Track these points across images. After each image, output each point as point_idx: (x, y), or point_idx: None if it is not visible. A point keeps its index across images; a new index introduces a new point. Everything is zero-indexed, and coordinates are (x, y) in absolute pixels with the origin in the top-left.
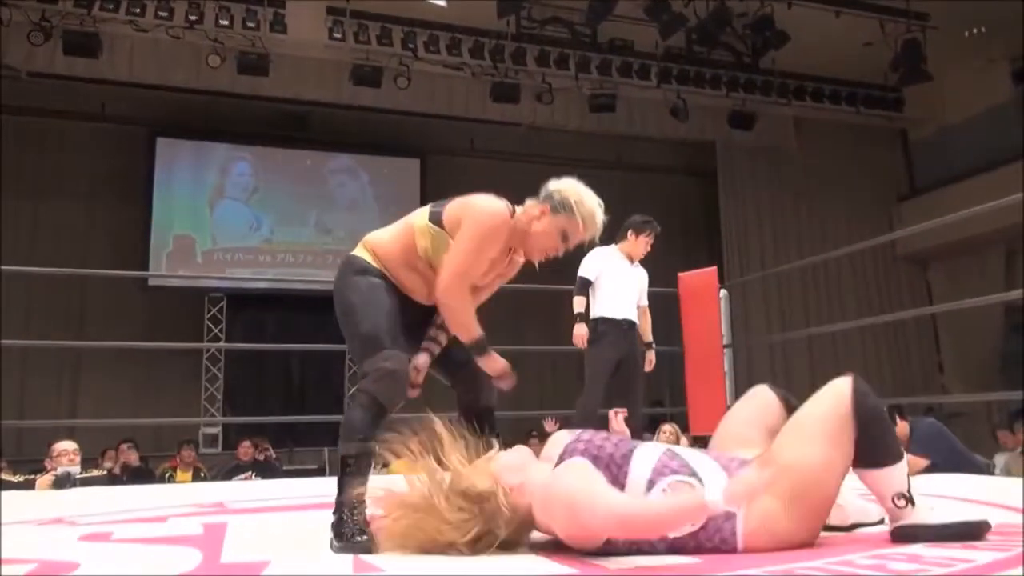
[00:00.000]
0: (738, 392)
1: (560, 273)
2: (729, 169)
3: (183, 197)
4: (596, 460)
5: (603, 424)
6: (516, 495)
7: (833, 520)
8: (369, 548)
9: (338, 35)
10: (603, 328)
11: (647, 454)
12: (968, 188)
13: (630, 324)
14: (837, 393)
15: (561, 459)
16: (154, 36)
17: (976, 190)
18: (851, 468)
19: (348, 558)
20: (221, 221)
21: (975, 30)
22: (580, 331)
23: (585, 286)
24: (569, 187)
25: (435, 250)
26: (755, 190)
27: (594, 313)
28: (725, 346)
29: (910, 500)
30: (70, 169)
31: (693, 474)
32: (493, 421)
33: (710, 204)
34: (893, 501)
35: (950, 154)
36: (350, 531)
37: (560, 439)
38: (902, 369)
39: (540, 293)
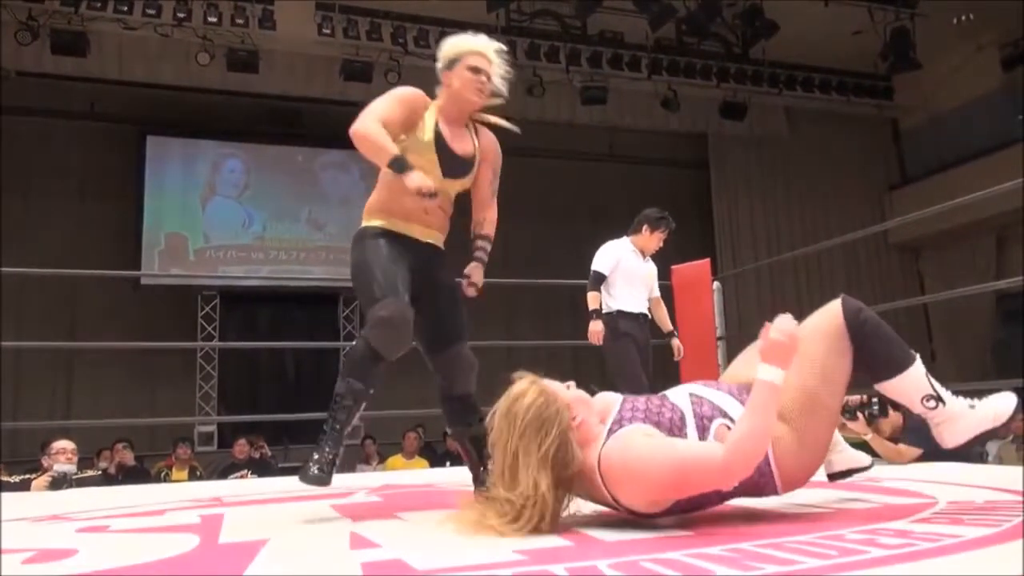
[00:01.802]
0: None
1: (554, 268)
2: (721, 160)
3: (174, 195)
4: (658, 426)
5: None
6: (579, 429)
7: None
8: (320, 481)
9: (327, 31)
10: (623, 322)
11: (689, 410)
12: (959, 176)
13: (645, 317)
14: (828, 310)
15: (618, 423)
16: (142, 34)
17: (967, 178)
18: (872, 385)
19: (346, 535)
20: (213, 219)
21: (963, 17)
22: (596, 328)
23: (599, 281)
24: (442, 45)
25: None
26: (747, 180)
27: (611, 307)
28: (719, 338)
29: (940, 399)
30: (60, 168)
31: (725, 415)
32: (470, 409)
33: (702, 195)
34: (923, 404)
35: (940, 142)
36: (315, 466)
37: (610, 400)
38: None
39: (534, 288)
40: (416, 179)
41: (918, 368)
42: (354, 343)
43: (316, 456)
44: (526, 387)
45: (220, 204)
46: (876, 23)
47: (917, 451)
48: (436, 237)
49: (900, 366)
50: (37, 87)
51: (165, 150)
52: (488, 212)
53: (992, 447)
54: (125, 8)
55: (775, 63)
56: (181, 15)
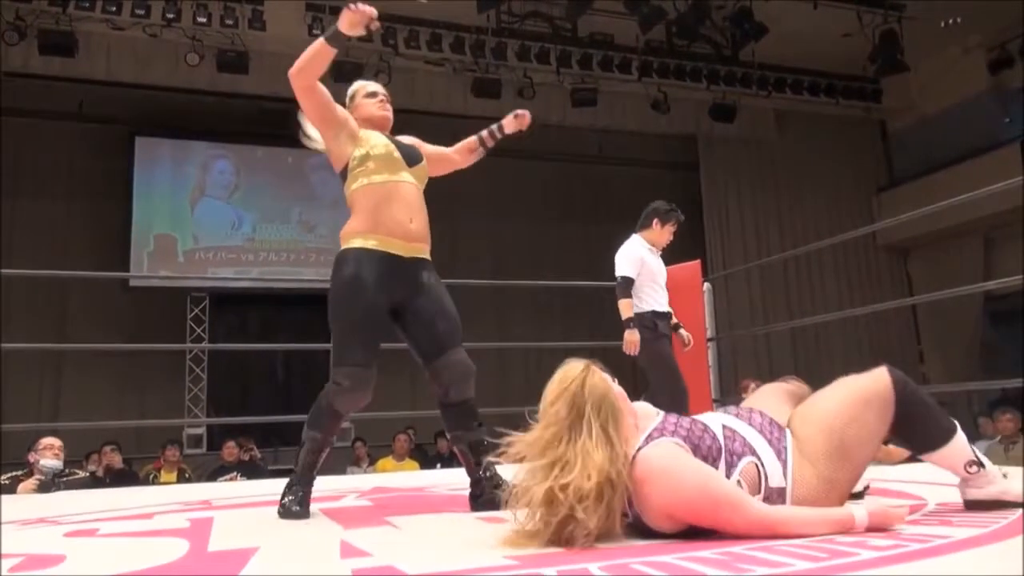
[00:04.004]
0: (722, 385)
1: (545, 269)
2: (711, 162)
3: (163, 196)
4: (696, 450)
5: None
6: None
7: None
8: (296, 516)
9: (317, 31)
10: (660, 323)
11: (723, 443)
12: (946, 178)
13: (671, 316)
14: (876, 377)
15: (660, 432)
16: (131, 34)
17: (954, 179)
18: (917, 456)
19: (336, 541)
20: (202, 220)
21: (951, 20)
22: (634, 337)
23: (630, 286)
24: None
25: (359, 171)
26: (737, 182)
27: (643, 309)
28: (709, 340)
29: (980, 464)
30: (48, 169)
31: (754, 453)
32: (468, 415)
33: (692, 197)
34: (966, 470)
35: (928, 144)
36: (290, 502)
37: (650, 411)
38: (883, 359)
39: (524, 289)
40: (347, 15)
41: (960, 435)
42: (323, 393)
43: (290, 497)
44: (586, 371)
45: (209, 205)
46: (864, 26)
47: (906, 452)
48: (420, 250)
49: (946, 436)
50: (24, 88)
51: (154, 151)
52: (451, 150)
53: (980, 447)
54: (113, 8)
55: (764, 65)
56: (170, 15)
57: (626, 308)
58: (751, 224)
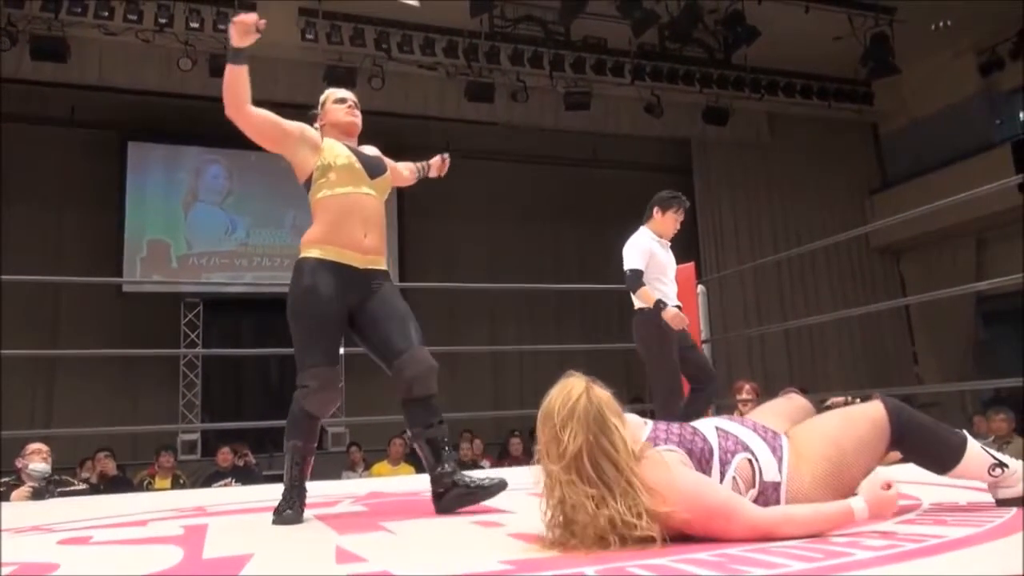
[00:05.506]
0: (717, 387)
1: (538, 273)
2: (704, 165)
3: (156, 202)
4: (690, 454)
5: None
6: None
7: None
8: (290, 520)
9: (310, 36)
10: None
11: (716, 444)
12: (938, 180)
13: (679, 309)
14: (872, 405)
15: (652, 441)
16: (123, 39)
17: (946, 181)
18: (939, 475)
19: (331, 547)
20: (195, 225)
21: (941, 23)
22: (672, 312)
23: (641, 277)
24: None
25: (322, 182)
26: (730, 185)
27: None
28: (704, 341)
29: (1002, 464)
30: (41, 175)
31: (747, 449)
32: (430, 411)
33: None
34: (990, 474)
35: (920, 146)
36: (282, 508)
37: (638, 420)
38: (877, 360)
39: (519, 292)
40: (233, 30)
41: (973, 445)
42: (294, 401)
43: (285, 506)
44: (590, 388)
45: (203, 210)
46: (856, 29)
47: (898, 453)
48: (375, 261)
49: (958, 453)
50: (16, 93)
51: (147, 156)
52: (402, 166)
53: None
54: (106, 14)
55: (757, 69)
56: (163, 20)
57: (645, 296)
58: (745, 226)
